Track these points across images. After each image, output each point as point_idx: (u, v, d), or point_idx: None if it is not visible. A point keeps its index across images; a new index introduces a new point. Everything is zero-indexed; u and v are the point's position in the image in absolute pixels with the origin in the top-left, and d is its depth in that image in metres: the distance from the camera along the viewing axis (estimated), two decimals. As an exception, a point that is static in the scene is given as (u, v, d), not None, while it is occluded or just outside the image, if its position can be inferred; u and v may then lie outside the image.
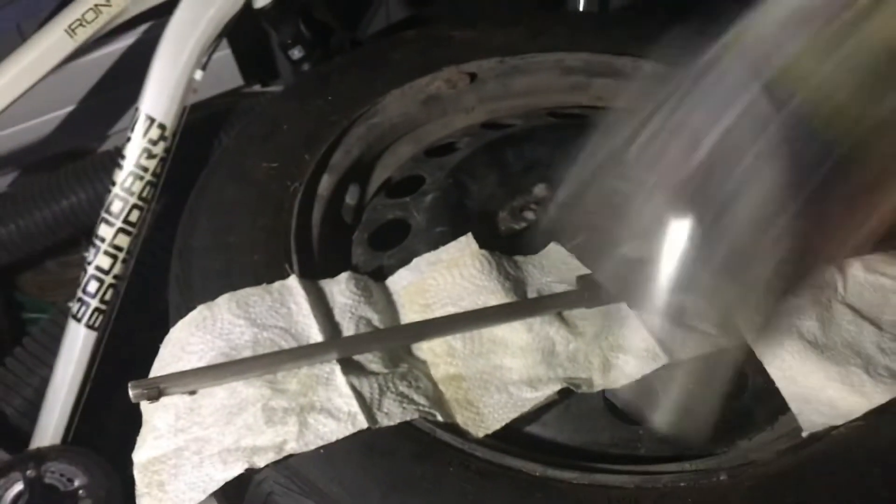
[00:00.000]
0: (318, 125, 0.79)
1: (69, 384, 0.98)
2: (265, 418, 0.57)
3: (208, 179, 0.75)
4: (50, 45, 0.90)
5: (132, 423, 1.22)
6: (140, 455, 0.59)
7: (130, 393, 0.58)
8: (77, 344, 0.97)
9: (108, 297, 0.96)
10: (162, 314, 1.13)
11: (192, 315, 0.64)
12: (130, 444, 1.21)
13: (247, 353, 0.61)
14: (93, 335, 0.97)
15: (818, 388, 0.62)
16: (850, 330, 0.66)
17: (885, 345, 0.65)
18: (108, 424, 1.12)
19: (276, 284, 0.66)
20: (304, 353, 0.61)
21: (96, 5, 0.90)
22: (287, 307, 0.64)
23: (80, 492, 0.99)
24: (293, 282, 0.66)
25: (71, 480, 0.99)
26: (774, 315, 0.65)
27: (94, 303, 0.96)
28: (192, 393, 0.60)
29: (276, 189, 0.73)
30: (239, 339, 0.62)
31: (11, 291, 1.31)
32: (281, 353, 0.61)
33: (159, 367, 0.64)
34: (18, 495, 0.97)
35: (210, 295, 0.65)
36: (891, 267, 0.69)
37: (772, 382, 0.64)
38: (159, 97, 0.91)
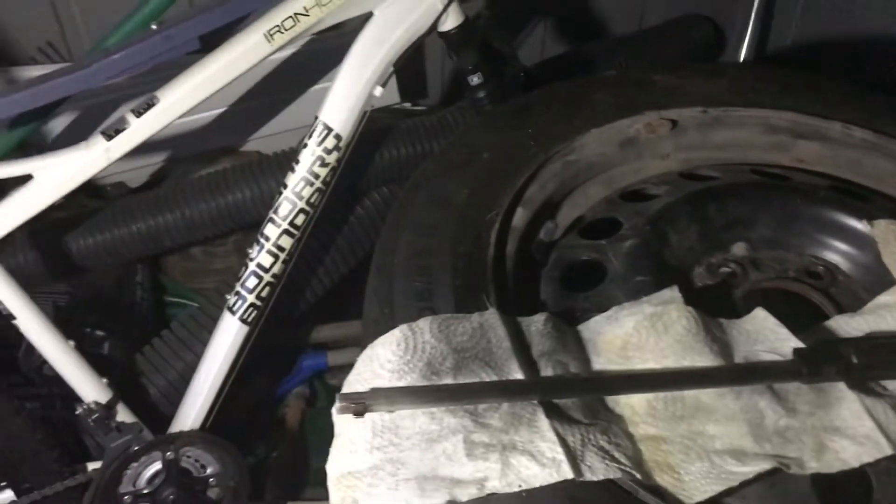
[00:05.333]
0: (516, 157, 0.78)
1: (216, 373, 1.00)
2: (466, 451, 0.56)
3: (409, 199, 0.75)
4: (249, 46, 0.92)
5: (256, 416, 1.22)
6: (334, 467, 0.59)
7: (337, 405, 0.58)
8: (229, 336, 0.98)
9: (264, 294, 0.97)
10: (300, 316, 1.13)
11: (394, 333, 0.64)
12: (253, 437, 1.21)
13: (447, 380, 0.60)
14: (245, 329, 0.98)
15: None
16: None
17: None
18: (234, 415, 1.14)
19: (475, 315, 0.65)
20: (506, 389, 0.60)
21: (295, 14, 0.93)
22: (486, 339, 0.63)
23: (212, 480, 1.00)
24: (492, 315, 0.65)
25: (204, 467, 1.00)
26: None
27: (250, 298, 0.97)
28: (390, 411, 0.60)
29: (474, 216, 0.73)
30: (440, 365, 0.61)
31: (156, 273, 1.36)
32: (484, 385, 0.60)
33: (354, 380, 0.64)
34: (156, 474, 0.98)
35: (410, 314, 0.65)
36: None
37: None
38: (339, 108, 0.92)
